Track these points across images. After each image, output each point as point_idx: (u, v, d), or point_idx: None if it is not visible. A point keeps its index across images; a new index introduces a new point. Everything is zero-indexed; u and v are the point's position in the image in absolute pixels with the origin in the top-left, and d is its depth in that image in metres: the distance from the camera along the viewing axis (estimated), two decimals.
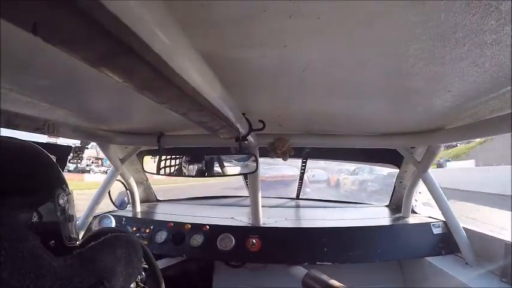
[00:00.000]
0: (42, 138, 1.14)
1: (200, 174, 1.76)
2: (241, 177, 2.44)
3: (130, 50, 0.35)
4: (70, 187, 0.68)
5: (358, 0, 0.41)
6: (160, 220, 1.87)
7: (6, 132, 0.95)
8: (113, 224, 1.87)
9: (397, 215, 2.01)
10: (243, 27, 0.48)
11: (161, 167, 1.66)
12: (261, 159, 1.60)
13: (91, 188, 3.54)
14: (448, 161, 18.36)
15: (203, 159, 1.71)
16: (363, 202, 2.58)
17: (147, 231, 1.80)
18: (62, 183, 0.66)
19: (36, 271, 0.46)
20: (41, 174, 0.64)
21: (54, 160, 0.69)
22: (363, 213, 2.22)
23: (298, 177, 2.59)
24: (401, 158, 1.86)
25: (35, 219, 0.57)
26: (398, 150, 1.69)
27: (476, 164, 15.46)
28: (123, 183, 1.98)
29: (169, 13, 0.42)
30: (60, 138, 1.25)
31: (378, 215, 2.08)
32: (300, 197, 2.69)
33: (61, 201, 0.63)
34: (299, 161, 2.39)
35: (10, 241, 0.45)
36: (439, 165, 16.23)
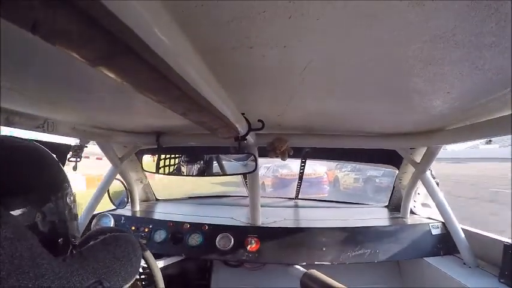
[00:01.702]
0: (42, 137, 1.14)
1: (199, 173, 1.77)
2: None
3: (130, 50, 0.35)
4: None
5: (358, 0, 0.41)
6: (159, 219, 1.88)
7: (6, 130, 0.95)
8: (112, 223, 1.87)
9: (396, 216, 2.01)
10: (243, 27, 0.48)
11: (160, 166, 1.66)
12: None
13: None
14: None
15: (202, 158, 1.71)
16: (362, 202, 2.59)
17: (146, 230, 1.80)
18: (66, 182, 0.66)
19: (35, 270, 0.46)
20: (45, 173, 0.64)
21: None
22: (361, 213, 2.22)
23: (298, 177, 2.59)
24: (401, 159, 1.86)
25: (39, 218, 0.57)
26: (398, 151, 1.69)
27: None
28: (122, 182, 1.98)
29: (169, 13, 0.42)
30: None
31: (376, 216, 2.08)
32: (298, 197, 2.69)
33: (68, 200, 0.64)
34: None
35: (9, 240, 0.45)
36: None
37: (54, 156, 0.68)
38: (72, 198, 0.67)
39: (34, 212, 0.57)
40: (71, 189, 0.67)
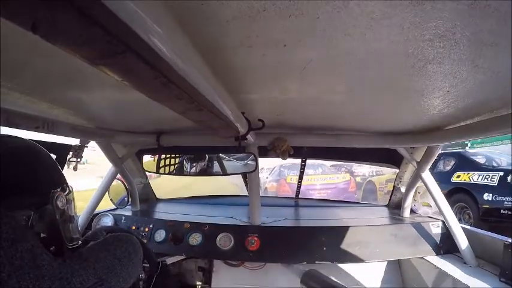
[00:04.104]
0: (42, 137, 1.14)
1: (199, 173, 1.77)
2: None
3: (130, 49, 0.35)
4: None
5: (358, 0, 0.41)
6: (159, 219, 1.88)
7: (6, 130, 0.95)
8: (112, 223, 1.87)
9: (396, 215, 2.01)
10: (243, 26, 0.48)
11: (161, 165, 1.66)
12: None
13: None
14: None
15: (203, 158, 1.71)
16: (363, 202, 2.59)
17: (146, 230, 1.80)
18: (62, 183, 0.66)
19: (35, 271, 0.46)
20: (41, 173, 0.63)
21: (54, 159, 0.69)
22: (362, 212, 2.22)
23: (298, 177, 2.59)
24: (401, 158, 1.86)
25: (34, 221, 0.57)
26: (398, 150, 1.69)
27: None
28: (122, 182, 1.98)
29: (169, 12, 0.42)
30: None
31: (377, 215, 2.08)
32: (299, 196, 2.69)
33: (60, 204, 0.62)
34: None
35: (9, 241, 0.45)
36: None
37: (51, 155, 0.67)
38: (69, 198, 0.66)
39: (30, 213, 0.56)
40: (68, 188, 0.66)
